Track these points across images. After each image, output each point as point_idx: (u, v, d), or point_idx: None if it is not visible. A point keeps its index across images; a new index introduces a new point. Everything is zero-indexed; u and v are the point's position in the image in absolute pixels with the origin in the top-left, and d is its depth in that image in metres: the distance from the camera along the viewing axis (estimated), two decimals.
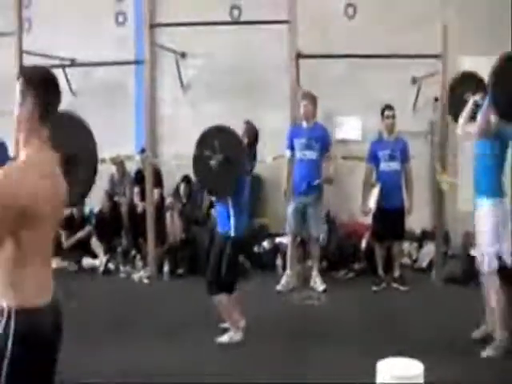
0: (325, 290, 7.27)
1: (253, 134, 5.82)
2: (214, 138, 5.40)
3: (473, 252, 5.51)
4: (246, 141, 5.67)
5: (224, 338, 5.69)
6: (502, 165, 5.28)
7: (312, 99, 7.45)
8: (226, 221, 5.57)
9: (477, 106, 5.36)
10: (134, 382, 4.79)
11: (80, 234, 8.83)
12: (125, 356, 5.28)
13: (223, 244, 5.60)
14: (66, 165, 3.16)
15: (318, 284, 7.39)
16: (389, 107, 7.65)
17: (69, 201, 3.32)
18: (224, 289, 5.59)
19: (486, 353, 5.22)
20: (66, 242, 8.77)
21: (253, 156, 5.85)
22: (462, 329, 5.72)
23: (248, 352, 5.46)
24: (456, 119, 5.91)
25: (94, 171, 3.86)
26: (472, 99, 5.50)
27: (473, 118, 5.38)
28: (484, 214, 5.23)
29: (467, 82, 6.02)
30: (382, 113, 7.68)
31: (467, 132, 5.44)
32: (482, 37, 8.63)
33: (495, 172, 5.24)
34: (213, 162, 5.36)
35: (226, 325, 5.81)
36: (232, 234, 5.54)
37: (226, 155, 5.34)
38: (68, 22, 9.57)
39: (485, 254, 5.25)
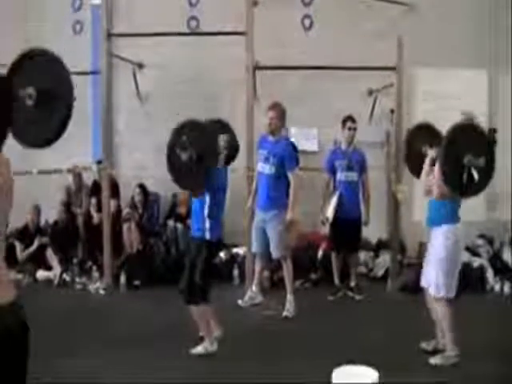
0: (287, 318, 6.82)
1: (233, 149, 5.73)
2: (185, 135, 5.29)
3: (423, 274, 5.55)
4: (224, 153, 5.57)
5: (199, 350, 5.55)
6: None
7: (280, 112, 6.89)
8: (201, 224, 5.47)
9: (434, 160, 5.33)
10: None
11: (35, 246, 8.69)
12: (83, 369, 5.18)
13: (198, 249, 5.48)
14: (39, 101, 3.10)
15: (288, 308, 6.86)
16: (351, 119, 7.62)
17: (40, 141, 3.23)
18: (197, 296, 5.45)
19: (435, 361, 5.28)
20: (21, 255, 8.64)
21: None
22: (416, 338, 5.76)
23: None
24: (415, 174, 5.92)
25: (69, 108, 3.64)
26: (429, 155, 5.47)
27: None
28: (440, 242, 5.25)
29: (423, 134, 6.04)
30: (344, 124, 7.63)
31: (430, 190, 5.40)
32: (437, 50, 8.81)
33: (452, 200, 5.24)
34: (184, 157, 5.22)
35: (202, 333, 5.66)
36: (207, 237, 5.45)
37: (196, 151, 5.19)
38: (24, 29, 9.48)
39: (434, 281, 5.29)
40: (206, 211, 5.42)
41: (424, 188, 5.45)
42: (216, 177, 5.43)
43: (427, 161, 5.47)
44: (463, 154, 4.95)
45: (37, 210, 8.94)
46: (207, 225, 5.43)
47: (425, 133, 6.02)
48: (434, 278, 5.28)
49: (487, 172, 5.03)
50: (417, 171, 5.74)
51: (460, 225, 5.30)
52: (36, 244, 8.70)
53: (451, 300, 5.29)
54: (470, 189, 5.04)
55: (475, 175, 4.93)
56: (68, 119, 3.70)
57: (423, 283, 5.52)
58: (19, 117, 2.68)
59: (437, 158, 5.21)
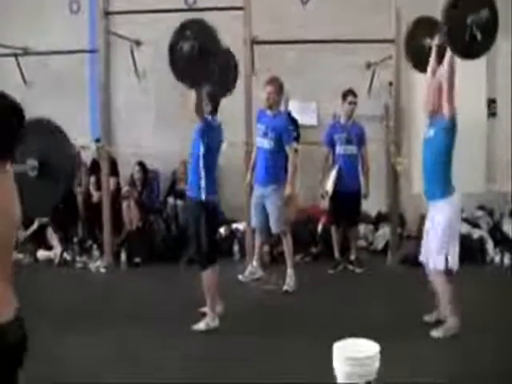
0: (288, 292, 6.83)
1: (214, 101, 5.69)
2: (188, 28, 5.26)
3: (422, 248, 5.56)
4: (208, 109, 5.56)
5: (201, 326, 5.56)
6: (450, 161, 5.25)
7: (278, 87, 6.81)
8: (196, 184, 5.50)
9: (439, 48, 5.29)
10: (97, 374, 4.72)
11: (35, 226, 8.68)
12: (85, 347, 5.21)
13: (197, 213, 5.52)
14: (38, 173, 3.10)
15: (288, 282, 6.85)
16: (352, 93, 7.56)
17: (37, 212, 3.19)
18: (206, 261, 5.53)
19: (437, 333, 5.27)
20: (22, 235, 8.60)
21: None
22: (417, 310, 5.78)
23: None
24: (415, 65, 5.90)
25: (69, 181, 3.62)
26: (434, 45, 5.42)
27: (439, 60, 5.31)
28: (436, 213, 5.26)
29: (424, 27, 5.97)
30: (344, 97, 7.57)
31: (434, 78, 5.32)
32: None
33: (445, 170, 5.22)
34: (186, 49, 5.17)
35: (204, 309, 5.70)
36: (203, 196, 5.48)
37: (199, 44, 5.17)
38: (21, 11, 9.43)
39: (432, 254, 5.29)
40: (201, 162, 5.46)
41: (429, 74, 5.44)
42: (211, 129, 5.49)
43: (433, 52, 5.41)
44: (465, 15, 4.87)
45: None
46: (202, 185, 5.47)
47: (425, 24, 5.95)
48: (433, 249, 5.27)
49: (490, 32, 4.94)
50: (420, 64, 5.71)
51: (456, 195, 5.27)
52: (36, 224, 8.66)
53: (451, 272, 5.29)
54: (473, 48, 4.97)
55: (478, 35, 4.88)
56: (67, 191, 3.71)
57: (422, 258, 5.52)
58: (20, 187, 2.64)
59: (442, 45, 5.16)
